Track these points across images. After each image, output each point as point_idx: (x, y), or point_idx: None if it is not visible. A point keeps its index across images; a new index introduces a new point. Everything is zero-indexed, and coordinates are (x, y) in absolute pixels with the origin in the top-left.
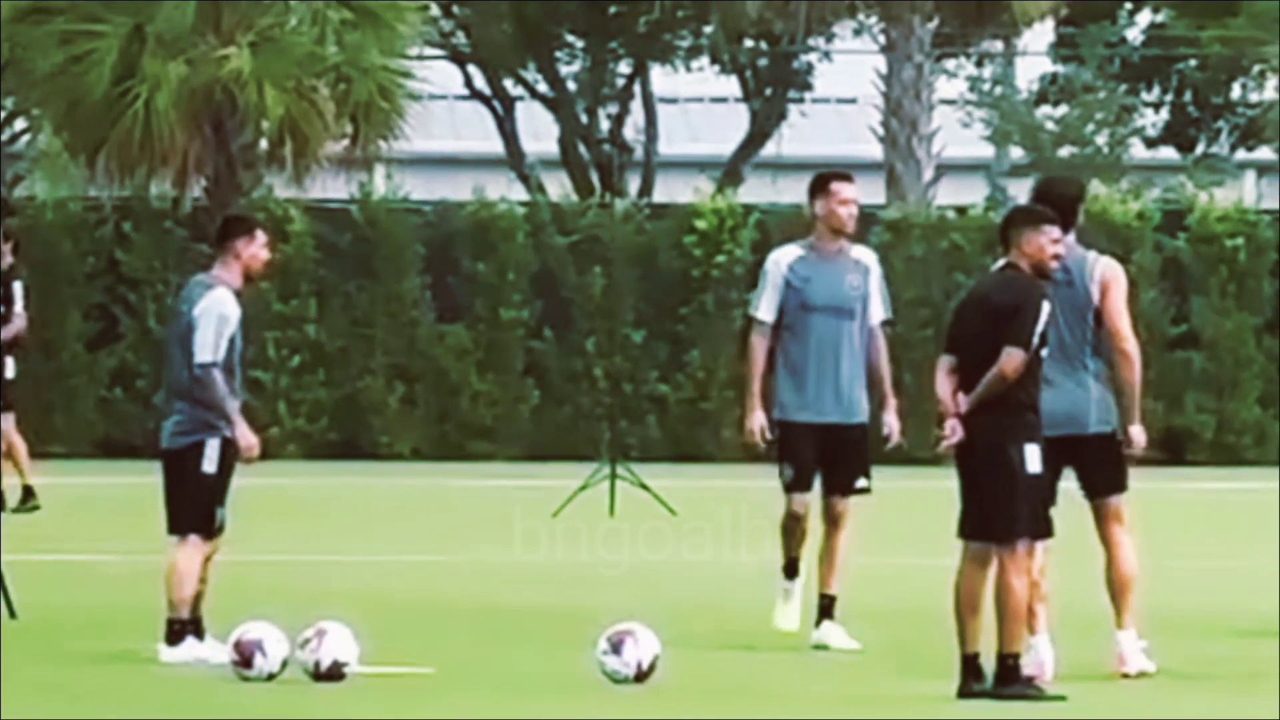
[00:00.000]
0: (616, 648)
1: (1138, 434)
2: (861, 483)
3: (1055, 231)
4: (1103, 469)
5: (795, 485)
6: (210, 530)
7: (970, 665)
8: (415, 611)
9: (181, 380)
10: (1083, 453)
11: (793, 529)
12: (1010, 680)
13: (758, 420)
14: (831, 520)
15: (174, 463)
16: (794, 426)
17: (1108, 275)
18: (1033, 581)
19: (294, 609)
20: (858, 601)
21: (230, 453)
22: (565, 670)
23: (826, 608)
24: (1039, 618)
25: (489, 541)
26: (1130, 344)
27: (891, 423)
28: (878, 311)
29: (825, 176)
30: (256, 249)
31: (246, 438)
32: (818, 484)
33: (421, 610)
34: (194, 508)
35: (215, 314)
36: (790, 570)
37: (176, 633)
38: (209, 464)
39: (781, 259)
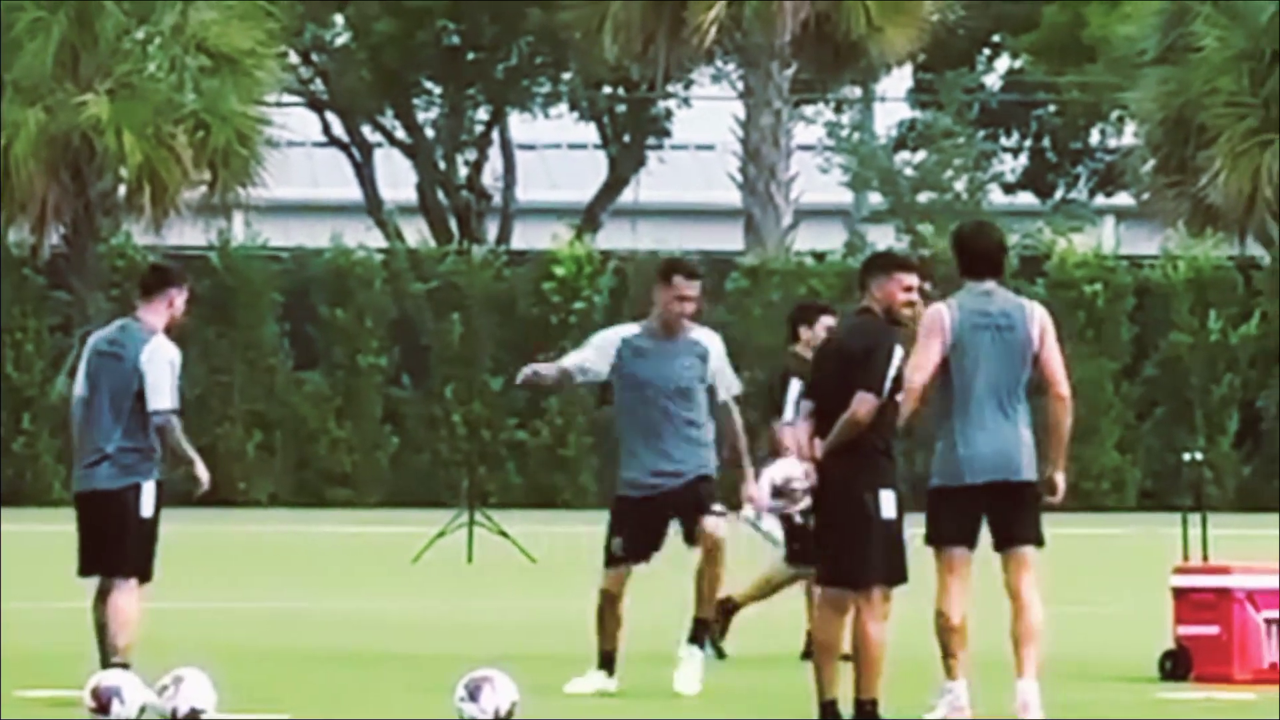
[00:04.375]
0: (474, 694)
1: (1060, 480)
2: (718, 507)
3: (909, 278)
4: (1025, 518)
5: (622, 559)
6: (149, 574)
7: (828, 711)
8: (274, 658)
9: (110, 424)
10: (1008, 500)
11: (608, 611)
12: None
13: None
14: (707, 547)
15: (107, 506)
16: (626, 501)
17: (1046, 322)
18: (953, 626)
19: (152, 656)
20: (728, 647)
21: (162, 495)
22: (424, 717)
23: (697, 633)
24: (959, 661)
25: (348, 588)
26: (1067, 390)
27: (751, 494)
28: (725, 387)
29: (671, 267)
30: (183, 300)
31: (205, 473)
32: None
33: (280, 657)
34: (134, 551)
35: (165, 360)
36: (606, 662)
37: None
38: (146, 508)
39: (620, 331)
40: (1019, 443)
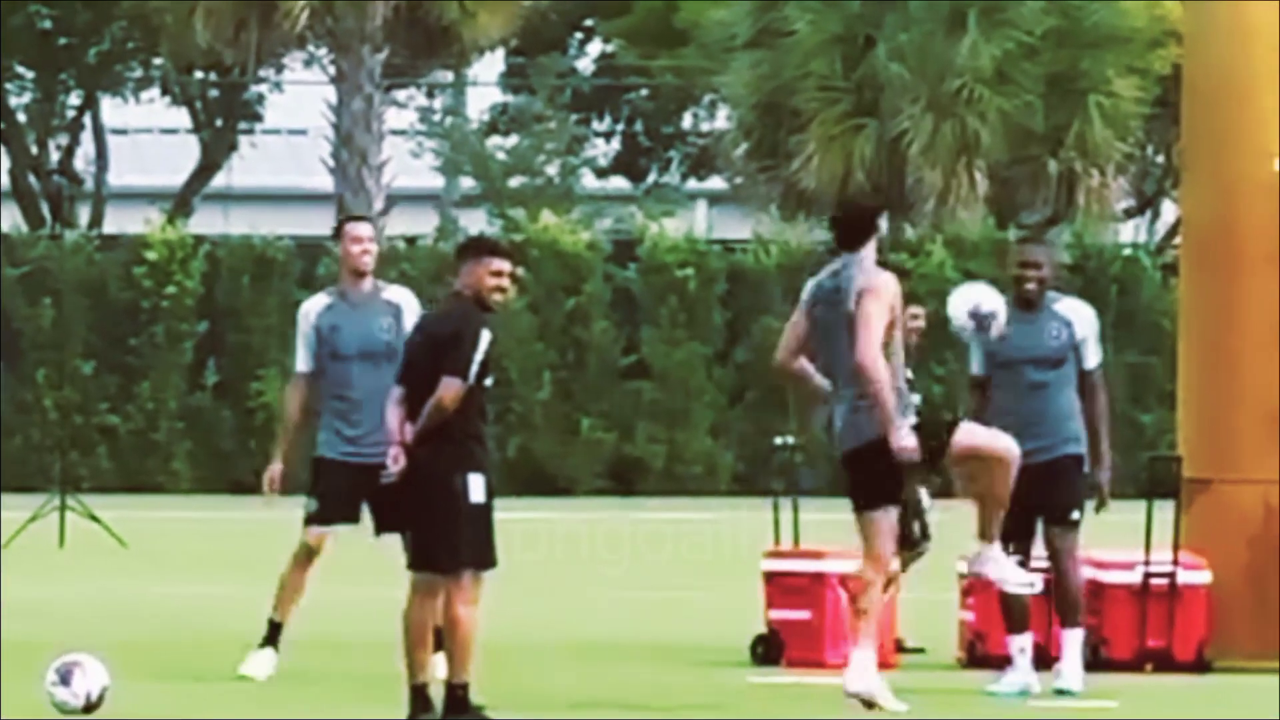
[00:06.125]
0: (65, 679)
1: (898, 439)
2: None
3: (497, 263)
4: (871, 482)
5: (316, 518)
6: None
7: (419, 695)
8: None
9: None
10: (855, 465)
11: (302, 565)
12: (459, 710)
13: (275, 469)
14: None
15: None
16: (328, 463)
17: (865, 285)
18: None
19: None
20: (317, 631)
21: None
22: (15, 703)
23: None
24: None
25: None
26: (862, 354)
27: None
28: None
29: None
30: None
31: None
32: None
33: None
34: None
35: None
36: (273, 636)
37: None
38: None
39: (310, 310)
40: (861, 416)
